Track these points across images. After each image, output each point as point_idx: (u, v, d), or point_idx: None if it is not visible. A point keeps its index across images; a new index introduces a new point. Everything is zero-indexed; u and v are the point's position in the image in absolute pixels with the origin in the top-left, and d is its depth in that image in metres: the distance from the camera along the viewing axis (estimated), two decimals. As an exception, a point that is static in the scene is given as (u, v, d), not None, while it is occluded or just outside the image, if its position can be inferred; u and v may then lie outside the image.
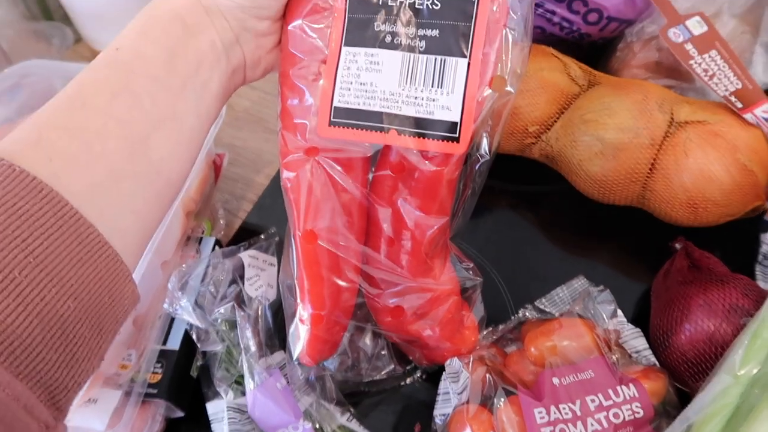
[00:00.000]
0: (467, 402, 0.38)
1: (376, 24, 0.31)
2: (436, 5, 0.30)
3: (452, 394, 0.39)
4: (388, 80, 0.31)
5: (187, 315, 0.41)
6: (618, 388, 0.35)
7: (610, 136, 0.45)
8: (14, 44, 0.61)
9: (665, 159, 0.44)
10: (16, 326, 0.22)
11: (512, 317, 0.44)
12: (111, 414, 0.39)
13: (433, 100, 0.30)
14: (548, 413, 0.34)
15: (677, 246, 0.45)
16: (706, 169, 0.43)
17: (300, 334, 0.37)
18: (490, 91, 0.31)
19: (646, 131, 0.44)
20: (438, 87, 0.30)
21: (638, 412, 0.34)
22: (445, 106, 0.30)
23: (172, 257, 0.45)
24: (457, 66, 0.30)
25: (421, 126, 0.31)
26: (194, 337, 0.41)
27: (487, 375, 0.38)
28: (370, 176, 0.36)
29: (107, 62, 0.28)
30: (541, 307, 0.43)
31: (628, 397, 0.35)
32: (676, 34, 0.48)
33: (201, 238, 0.48)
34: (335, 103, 0.31)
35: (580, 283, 0.44)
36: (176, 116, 0.29)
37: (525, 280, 0.48)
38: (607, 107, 0.46)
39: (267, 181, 0.57)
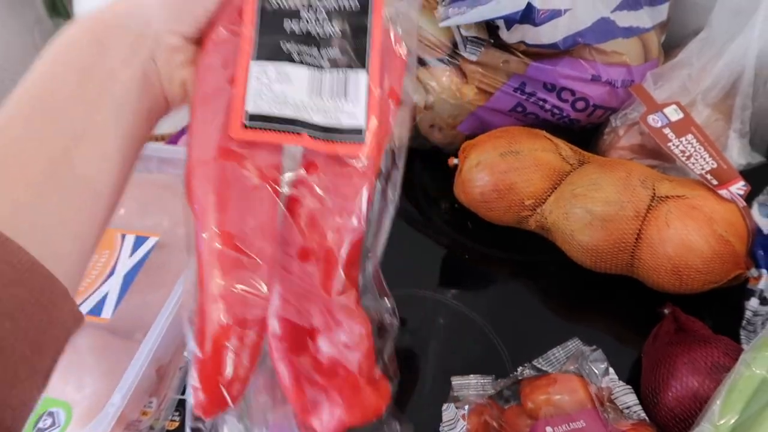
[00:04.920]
0: (466, 453, 0.40)
1: (283, 43, 0.34)
2: (336, 30, 0.34)
3: (451, 444, 0.41)
4: (298, 91, 0.33)
5: None
6: (608, 438, 0.37)
7: (598, 209, 0.49)
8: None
9: (649, 230, 0.48)
10: None
11: (510, 375, 0.46)
12: (130, 458, 0.41)
13: (340, 109, 0.33)
14: (542, 460, 0.36)
15: (665, 311, 0.48)
16: (686, 239, 0.46)
17: (196, 373, 0.31)
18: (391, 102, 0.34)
19: (630, 204, 0.49)
20: (343, 98, 0.33)
21: (628, 462, 0.36)
22: (351, 113, 0.33)
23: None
24: (358, 80, 0.33)
25: (330, 131, 0.33)
26: None
27: (484, 425, 0.40)
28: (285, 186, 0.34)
29: (21, 92, 0.29)
30: (538, 366, 0.46)
31: (617, 447, 0.37)
32: (654, 120, 0.54)
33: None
34: (250, 110, 0.32)
35: (574, 344, 0.47)
36: (96, 130, 0.29)
37: (523, 342, 0.51)
38: (594, 183, 0.50)
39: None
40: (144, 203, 0.54)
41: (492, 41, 0.56)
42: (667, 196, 0.48)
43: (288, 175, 0.34)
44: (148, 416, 0.44)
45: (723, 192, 0.48)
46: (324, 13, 0.35)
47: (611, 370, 0.43)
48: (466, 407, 0.42)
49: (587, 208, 0.50)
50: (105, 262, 0.47)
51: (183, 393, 0.45)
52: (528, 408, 0.41)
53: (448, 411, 0.42)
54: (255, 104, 0.33)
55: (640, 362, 0.48)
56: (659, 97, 0.55)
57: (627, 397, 0.42)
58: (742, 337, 0.47)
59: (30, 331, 0.25)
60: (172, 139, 0.69)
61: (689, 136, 0.53)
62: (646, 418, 0.41)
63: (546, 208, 0.54)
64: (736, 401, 0.35)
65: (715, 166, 0.51)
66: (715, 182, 0.49)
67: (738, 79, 0.54)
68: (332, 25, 0.35)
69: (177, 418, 0.44)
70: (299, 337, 0.33)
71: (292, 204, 0.33)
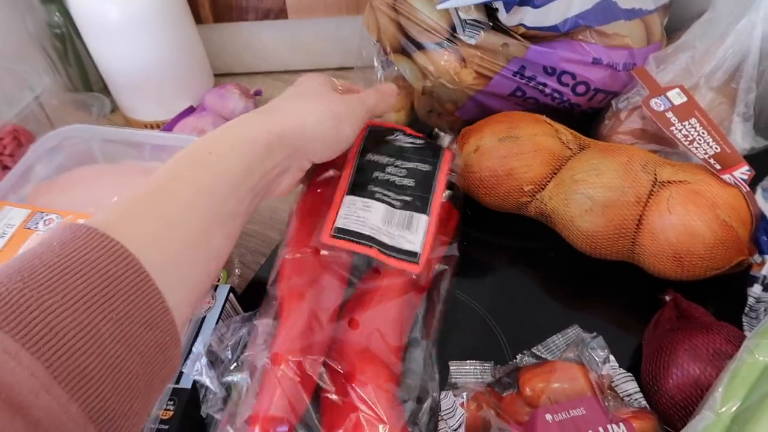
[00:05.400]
0: (464, 441, 0.39)
1: (370, 186, 0.48)
2: (410, 184, 0.49)
3: (447, 430, 0.41)
4: (375, 219, 0.46)
5: (205, 377, 0.43)
6: (609, 426, 0.37)
7: (598, 195, 0.49)
8: (57, 112, 0.67)
9: (651, 215, 0.47)
10: (94, 373, 0.25)
11: (509, 363, 0.46)
12: (124, 448, 0.41)
13: (403, 237, 0.46)
14: (540, 449, 0.36)
15: (666, 298, 0.48)
16: (688, 225, 0.46)
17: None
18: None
19: (632, 190, 0.48)
20: (406, 230, 0.46)
21: (628, 450, 0.36)
22: (411, 242, 0.46)
23: (189, 302, 0.48)
24: (420, 221, 0.47)
25: (393, 250, 0.45)
26: (201, 397, 0.44)
27: (483, 413, 0.39)
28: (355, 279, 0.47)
29: (198, 162, 0.34)
30: (537, 353, 0.45)
31: (617, 435, 0.36)
32: (657, 104, 0.53)
33: (217, 286, 0.51)
34: (338, 225, 0.46)
35: (574, 331, 0.46)
36: (234, 216, 0.35)
37: (522, 329, 0.50)
38: (595, 168, 0.49)
39: (279, 237, 0.61)
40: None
41: (491, 24, 0.54)
42: (669, 181, 0.48)
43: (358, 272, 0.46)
44: (142, 406, 0.43)
45: (726, 177, 0.47)
46: (404, 170, 0.50)
47: (612, 357, 0.42)
48: (465, 395, 0.41)
49: (587, 194, 0.49)
50: (97, 251, 0.47)
51: (177, 382, 0.45)
52: (526, 395, 0.41)
53: (447, 399, 0.42)
54: (342, 222, 0.46)
55: (641, 349, 0.47)
56: (662, 80, 0.54)
57: (627, 385, 0.41)
58: (744, 323, 0.46)
59: (149, 371, 0.28)
60: (167, 126, 0.68)
61: (692, 120, 0.52)
62: (647, 405, 0.40)
63: (545, 194, 0.53)
64: (739, 388, 0.34)
65: (718, 150, 0.50)
66: (718, 167, 0.48)
67: (742, 61, 0.53)
68: (408, 180, 0.49)
69: (171, 407, 0.43)
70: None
71: (359, 294, 0.45)
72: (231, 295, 0.51)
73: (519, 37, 0.54)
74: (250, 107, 0.70)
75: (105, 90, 0.74)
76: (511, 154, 0.53)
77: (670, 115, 0.52)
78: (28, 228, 0.49)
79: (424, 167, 0.50)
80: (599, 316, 0.52)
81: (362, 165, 0.50)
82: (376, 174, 0.49)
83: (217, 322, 0.48)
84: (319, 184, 0.50)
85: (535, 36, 0.54)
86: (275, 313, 0.44)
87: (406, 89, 0.64)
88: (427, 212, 0.47)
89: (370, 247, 0.45)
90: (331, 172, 0.50)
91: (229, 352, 0.46)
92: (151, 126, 0.71)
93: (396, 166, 0.50)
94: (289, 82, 0.79)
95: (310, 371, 0.42)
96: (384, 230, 0.46)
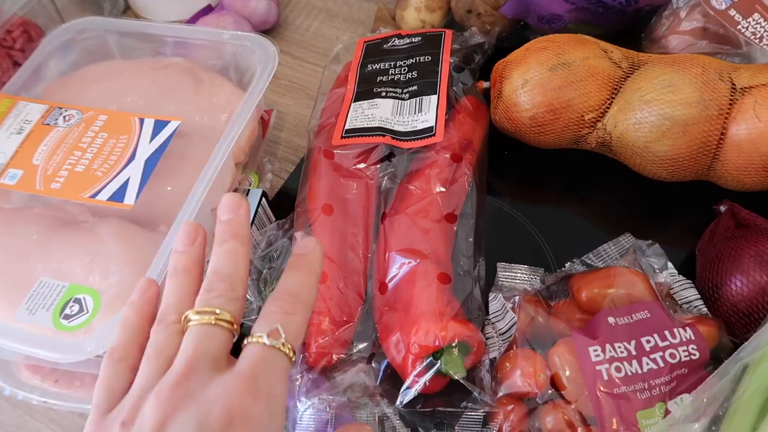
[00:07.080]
0: (514, 344, 0.38)
1: (375, 89, 0.50)
2: (414, 75, 0.50)
3: (496, 335, 0.39)
4: (384, 112, 0.48)
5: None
6: (674, 330, 0.35)
7: (677, 113, 0.44)
8: (66, 10, 0.62)
9: (735, 126, 0.43)
10: None
11: (556, 271, 0.44)
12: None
13: (416, 120, 0.47)
14: (603, 351, 0.34)
15: (722, 208, 0.45)
16: (781, 132, 0.42)
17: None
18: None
19: (713, 102, 0.43)
20: (419, 113, 0.48)
21: (694, 354, 0.34)
22: (424, 120, 0.47)
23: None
24: (431, 100, 0.48)
25: (409, 134, 0.46)
26: None
27: (538, 317, 0.38)
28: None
29: None
30: (589, 261, 0.43)
31: (684, 339, 0.35)
32: (718, 2, 0.48)
33: (248, 190, 0.48)
34: (346, 127, 0.47)
35: (627, 239, 0.44)
36: None
37: (566, 238, 0.48)
38: (669, 84, 0.44)
39: (306, 144, 0.58)
40: (162, 89, 0.49)
41: None
42: (750, 87, 0.43)
43: (385, 170, 0.46)
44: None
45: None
46: (406, 67, 0.51)
47: (670, 264, 0.41)
48: (516, 299, 0.39)
49: (664, 114, 0.44)
50: (123, 147, 0.44)
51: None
52: (582, 301, 0.39)
53: (496, 302, 0.40)
54: (350, 124, 0.48)
55: (692, 261, 0.45)
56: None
57: (687, 292, 0.39)
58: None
59: None
60: (188, 22, 0.63)
61: (756, 16, 0.48)
62: (708, 312, 0.38)
63: (608, 122, 0.47)
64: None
65: (790, 49, 0.46)
66: (792, 65, 0.45)
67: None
68: (411, 73, 0.50)
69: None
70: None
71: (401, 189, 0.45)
72: (263, 200, 0.48)
73: (576, -76, 0.49)
74: (273, 8, 0.65)
75: (114, -13, 0.69)
76: (566, 83, 0.47)
77: (733, 12, 0.48)
78: (47, 124, 0.46)
79: (426, 58, 0.51)
80: (646, 225, 0.49)
81: (364, 76, 0.51)
82: (379, 78, 0.50)
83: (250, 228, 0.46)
84: (332, 101, 0.51)
85: None
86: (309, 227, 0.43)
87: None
88: (436, 92, 0.48)
89: (383, 136, 0.46)
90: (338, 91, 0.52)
91: (267, 262, 0.44)
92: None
93: (397, 67, 0.51)
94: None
95: (353, 283, 0.41)
96: (395, 120, 0.47)
